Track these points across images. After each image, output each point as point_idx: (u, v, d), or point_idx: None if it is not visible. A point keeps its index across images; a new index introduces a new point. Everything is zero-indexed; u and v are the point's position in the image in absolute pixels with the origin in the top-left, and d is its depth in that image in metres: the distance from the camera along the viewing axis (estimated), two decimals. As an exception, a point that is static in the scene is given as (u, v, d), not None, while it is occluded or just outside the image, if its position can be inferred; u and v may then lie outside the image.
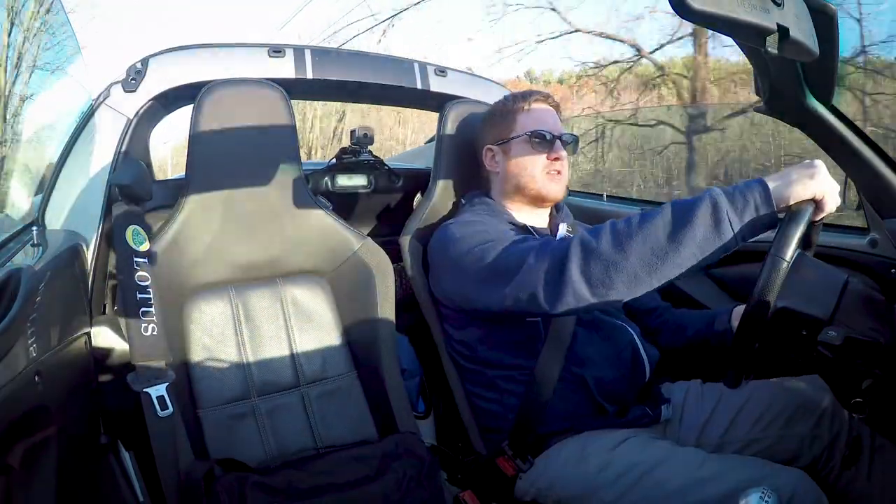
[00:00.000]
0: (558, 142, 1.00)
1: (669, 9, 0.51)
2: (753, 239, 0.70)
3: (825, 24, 0.64)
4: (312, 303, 1.03)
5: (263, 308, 0.99)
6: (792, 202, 0.68)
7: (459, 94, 1.24)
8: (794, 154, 5.09)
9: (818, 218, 0.70)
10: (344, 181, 1.29)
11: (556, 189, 1.02)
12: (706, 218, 0.68)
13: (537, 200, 1.03)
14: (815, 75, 0.77)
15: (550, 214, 1.09)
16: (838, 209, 0.72)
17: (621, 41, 5.95)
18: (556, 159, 1.00)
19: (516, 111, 1.03)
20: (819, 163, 0.69)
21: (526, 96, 1.04)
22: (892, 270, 0.97)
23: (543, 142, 1.00)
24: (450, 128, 1.11)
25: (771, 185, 0.69)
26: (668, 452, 0.83)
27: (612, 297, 0.74)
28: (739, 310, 0.98)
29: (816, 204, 0.68)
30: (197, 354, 0.93)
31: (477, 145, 1.08)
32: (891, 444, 0.84)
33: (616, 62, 6.17)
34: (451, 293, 0.96)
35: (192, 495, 0.77)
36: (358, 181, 1.31)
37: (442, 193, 1.11)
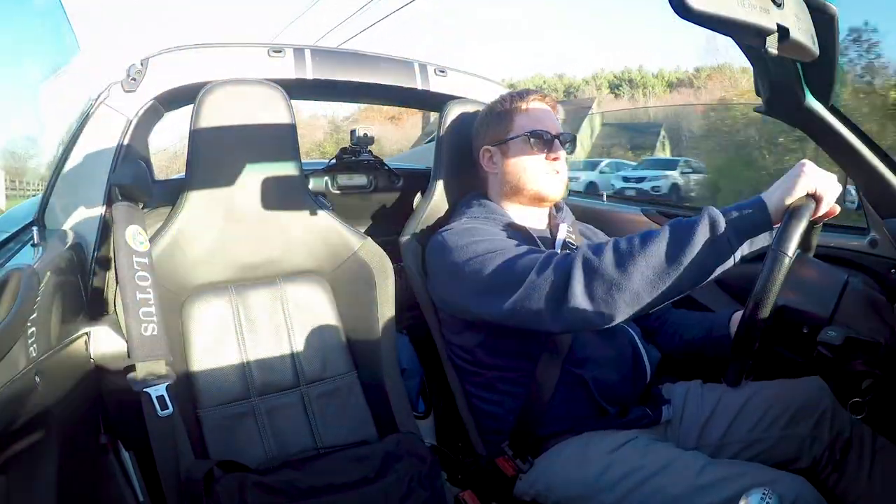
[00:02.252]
0: (556, 141, 1.00)
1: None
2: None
3: (825, 24, 0.64)
4: (312, 303, 1.02)
5: (263, 308, 0.99)
6: (788, 203, 0.68)
7: (459, 94, 1.24)
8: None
9: (821, 213, 0.70)
10: (344, 181, 1.29)
11: (556, 187, 1.02)
12: (705, 236, 0.70)
13: (537, 200, 1.03)
14: (815, 75, 0.77)
15: (550, 215, 1.08)
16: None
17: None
18: (556, 159, 1.00)
19: (513, 111, 1.02)
20: (805, 161, 0.70)
21: (523, 95, 1.03)
22: (892, 270, 0.97)
23: (542, 141, 0.99)
24: (450, 128, 1.11)
25: (766, 197, 0.70)
26: (670, 457, 0.83)
27: (614, 317, 0.75)
28: (738, 315, 0.98)
29: (815, 199, 0.69)
30: (197, 354, 0.93)
31: (473, 146, 1.08)
32: (891, 445, 0.84)
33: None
34: (449, 301, 0.96)
35: (192, 495, 0.77)
36: (358, 181, 1.31)
37: (442, 193, 1.11)
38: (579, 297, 0.74)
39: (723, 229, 0.69)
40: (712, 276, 0.71)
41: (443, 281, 0.95)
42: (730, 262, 0.70)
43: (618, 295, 0.73)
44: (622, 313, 0.74)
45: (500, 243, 0.90)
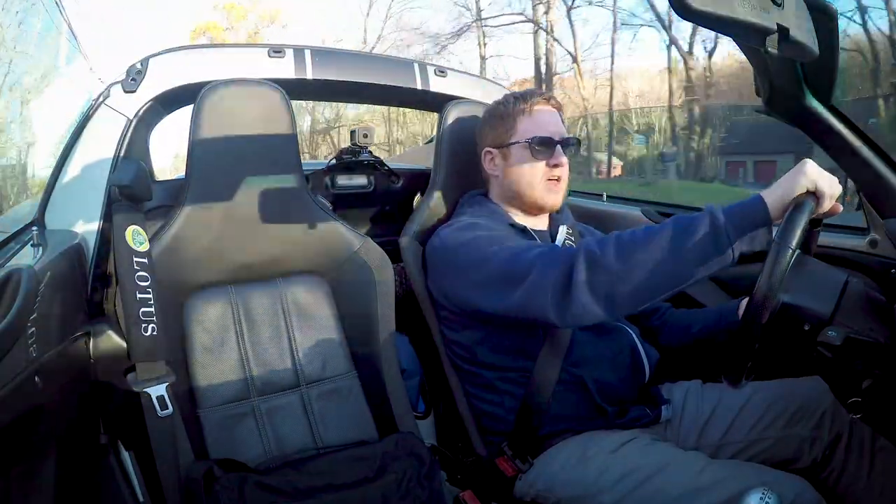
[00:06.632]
0: (559, 147, 0.98)
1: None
2: None
3: (825, 24, 0.64)
4: (312, 303, 1.02)
5: (263, 308, 0.99)
6: (788, 200, 0.68)
7: (459, 94, 1.24)
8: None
9: (822, 210, 0.70)
10: (344, 181, 1.30)
11: (553, 199, 1.01)
12: (705, 230, 0.70)
13: (534, 209, 1.03)
14: (815, 75, 0.77)
15: (550, 216, 1.08)
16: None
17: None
18: (557, 166, 0.98)
19: (517, 114, 1.00)
20: (807, 160, 0.70)
21: (527, 97, 1.01)
22: (893, 270, 0.97)
23: (544, 148, 0.98)
24: (450, 128, 1.11)
25: (765, 195, 0.70)
26: (669, 457, 0.83)
27: (616, 309, 0.75)
28: (746, 302, 0.98)
29: (816, 196, 0.68)
30: (197, 354, 0.93)
31: (477, 146, 1.08)
32: (891, 445, 0.84)
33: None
34: (452, 296, 0.95)
35: (192, 495, 0.77)
36: (358, 181, 1.31)
37: (442, 193, 1.11)
38: (582, 289, 0.74)
39: (722, 224, 0.70)
40: (711, 270, 0.71)
41: (445, 276, 0.95)
42: (728, 257, 0.70)
43: (620, 287, 0.73)
44: (624, 305, 0.74)
45: (502, 238, 0.90)
